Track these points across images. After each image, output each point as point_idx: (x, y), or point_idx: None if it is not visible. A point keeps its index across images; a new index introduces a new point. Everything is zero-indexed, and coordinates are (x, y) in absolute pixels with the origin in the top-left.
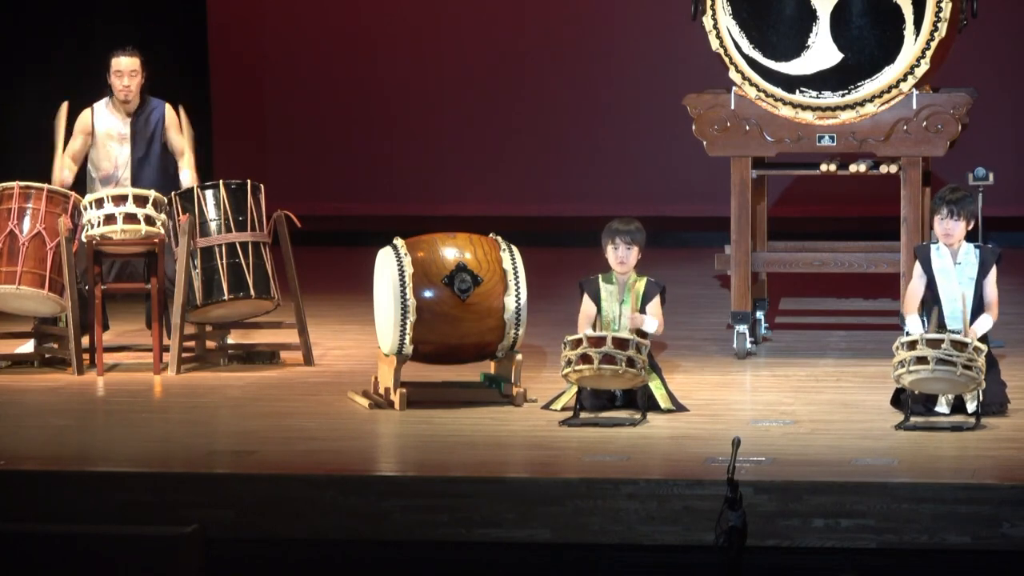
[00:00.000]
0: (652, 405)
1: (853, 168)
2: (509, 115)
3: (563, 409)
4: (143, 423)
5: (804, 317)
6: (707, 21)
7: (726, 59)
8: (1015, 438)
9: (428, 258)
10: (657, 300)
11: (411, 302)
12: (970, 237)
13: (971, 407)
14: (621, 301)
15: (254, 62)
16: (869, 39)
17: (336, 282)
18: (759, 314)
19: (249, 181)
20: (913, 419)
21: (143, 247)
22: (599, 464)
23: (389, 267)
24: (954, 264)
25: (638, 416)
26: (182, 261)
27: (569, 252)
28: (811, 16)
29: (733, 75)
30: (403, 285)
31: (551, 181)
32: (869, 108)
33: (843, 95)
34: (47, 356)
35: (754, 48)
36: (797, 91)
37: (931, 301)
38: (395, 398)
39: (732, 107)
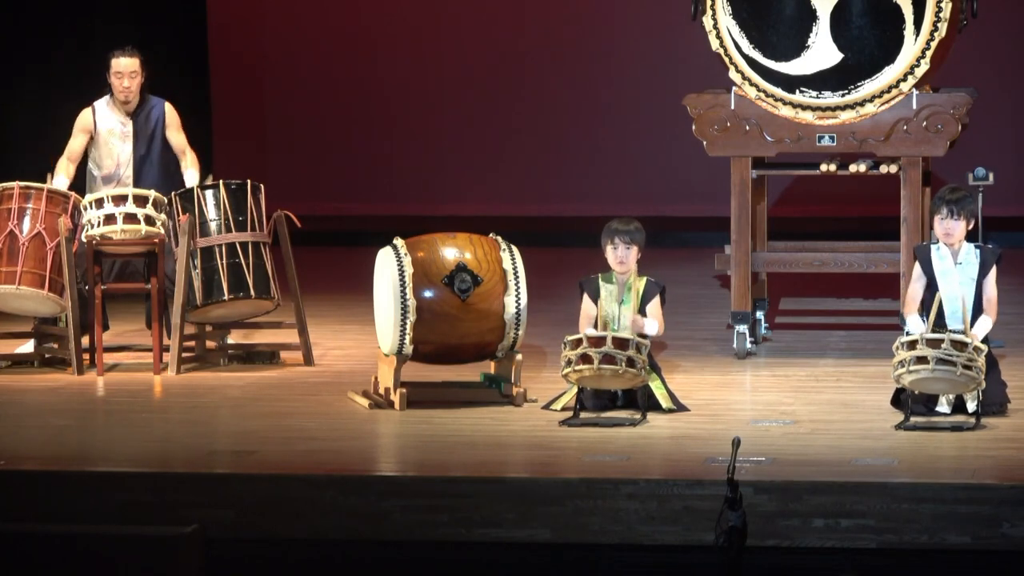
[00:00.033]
0: (653, 405)
1: (853, 168)
2: (509, 115)
3: (563, 409)
4: (143, 423)
5: (804, 317)
6: (707, 21)
7: (726, 59)
8: (1015, 438)
9: (428, 258)
10: (657, 300)
11: (411, 302)
12: (970, 237)
13: (971, 407)
14: (621, 301)
15: (254, 62)
16: (869, 39)
17: (336, 282)
18: (759, 314)
19: (249, 181)
20: (913, 419)
21: (143, 247)
22: (599, 464)
23: (389, 267)
24: (954, 264)
25: (638, 416)
26: (182, 261)
27: (569, 252)
28: (811, 16)
29: (733, 75)
30: (403, 285)
31: (551, 181)
32: (869, 108)
33: (843, 95)
34: (47, 356)
35: (754, 48)
36: (797, 91)
37: (931, 301)
38: (395, 398)
39: (732, 107)
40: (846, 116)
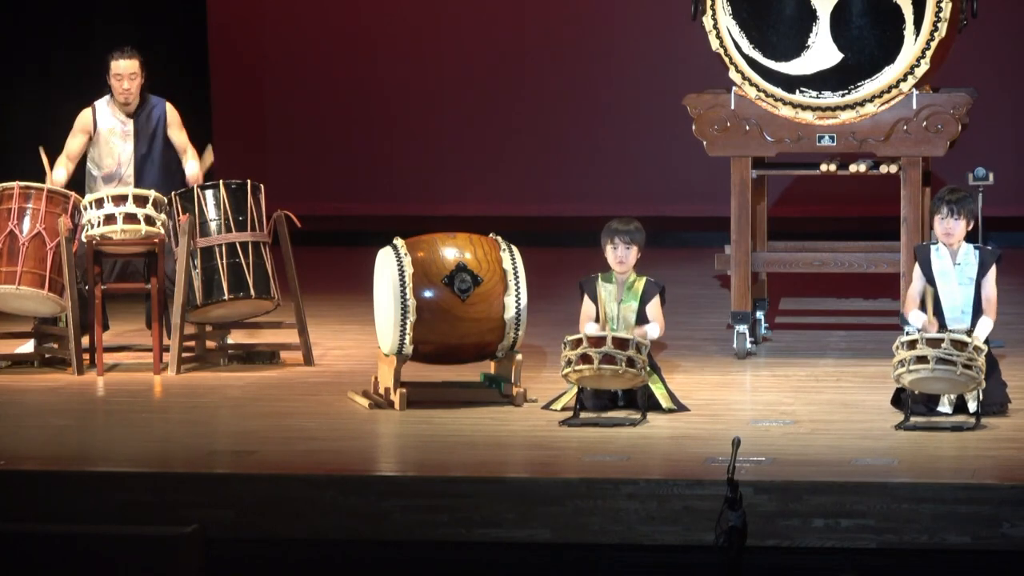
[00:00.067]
0: (653, 405)
1: (853, 168)
2: (509, 115)
3: (563, 409)
4: (143, 423)
5: (804, 317)
6: (707, 21)
7: (726, 59)
8: (1015, 438)
9: (428, 258)
10: (657, 300)
11: (411, 302)
12: (970, 237)
13: (972, 407)
14: (620, 300)
15: (254, 62)
16: (869, 39)
17: (336, 282)
18: (759, 314)
19: (249, 181)
20: (913, 419)
21: (143, 247)
22: (599, 464)
23: (389, 267)
24: (953, 265)
25: (638, 416)
26: (182, 261)
27: (569, 252)
28: (811, 16)
29: (733, 75)
30: (403, 285)
31: (551, 181)
32: (869, 108)
33: (843, 95)
34: (47, 356)
35: (754, 48)
36: (797, 91)
37: (931, 302)
38: (395, 398)
39: (732, 107)
40: (846, 116)
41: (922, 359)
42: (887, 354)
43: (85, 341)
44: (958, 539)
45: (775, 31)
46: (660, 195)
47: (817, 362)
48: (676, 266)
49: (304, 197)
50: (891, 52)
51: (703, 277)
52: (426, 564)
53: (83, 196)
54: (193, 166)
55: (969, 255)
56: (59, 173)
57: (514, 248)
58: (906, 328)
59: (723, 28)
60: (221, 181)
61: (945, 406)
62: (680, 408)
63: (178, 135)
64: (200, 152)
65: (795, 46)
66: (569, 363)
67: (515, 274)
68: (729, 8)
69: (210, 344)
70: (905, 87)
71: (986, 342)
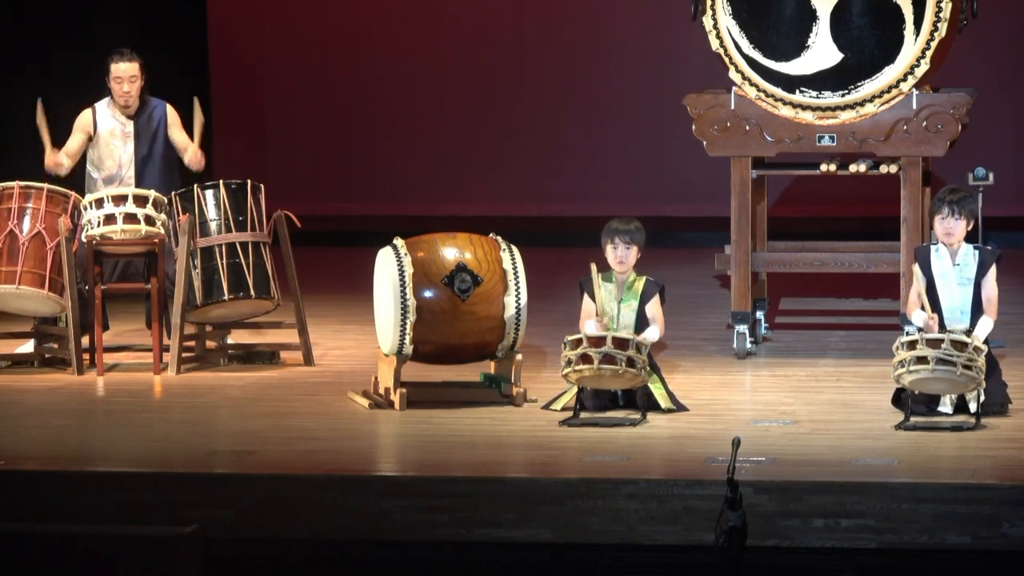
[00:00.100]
0: (652, 405)
1: (853, 168)
2: (509, 115)
3: (563, 409)
4: (143, 423)
5: (804, 317)
6: (707, 21)
7: (726, 59)
8: (1015, 438)
9: (428, 258)
10: (656, 300)
11: (411, 302)
12: (970, 237)
13: (973, 407)
14: (620, 300)
15: (254, 62)
16: (869, 39)
17: (336, 282)
18: (759, 314)
19: (249, 181)
20: (913, 419)
21: (143, 247)
22: (599, 464)
23: (389, 267)
24: (953, 265)
25: (638, 416)
26: (182, 261)
27: (569, 252)
28: (811, 16)
29: (733, 75)
30: (403, 285)
31: (551, 181)
32: (869, 108)
33: (843, 95)
34: (47, 356)
35: (754, 48)
36: (797, 91)
37: (931, 302)
38: (395, 398)
39: (732, 107)
40: (846, 116)
41: (922, 359)
42: (887, 354)
43: (85, 341)
44: (958, 539)
45: (775, 31)
46: (660, 195)
47: (817, 362)
48: (676, 266)
49: (304, 197)
50: (891, 52)
51: (703, 277)
52: (426, 564)
53: (83, 196)
54: (190, 152)
55: (969, 255)
56: (61, 157)
57: (514, 248)
58: (906, 328)
59: (723, 28)
60: (221, 181)
61: (945, 406)
62: (679, 408)
63: (179, 135)
64: (190, 116)
65: (795, 46)
66: (569, 363)
67: (515, 274)
68: (729, 8)
69: (210, 344)
70: (905, 87)
71: (986, 342)
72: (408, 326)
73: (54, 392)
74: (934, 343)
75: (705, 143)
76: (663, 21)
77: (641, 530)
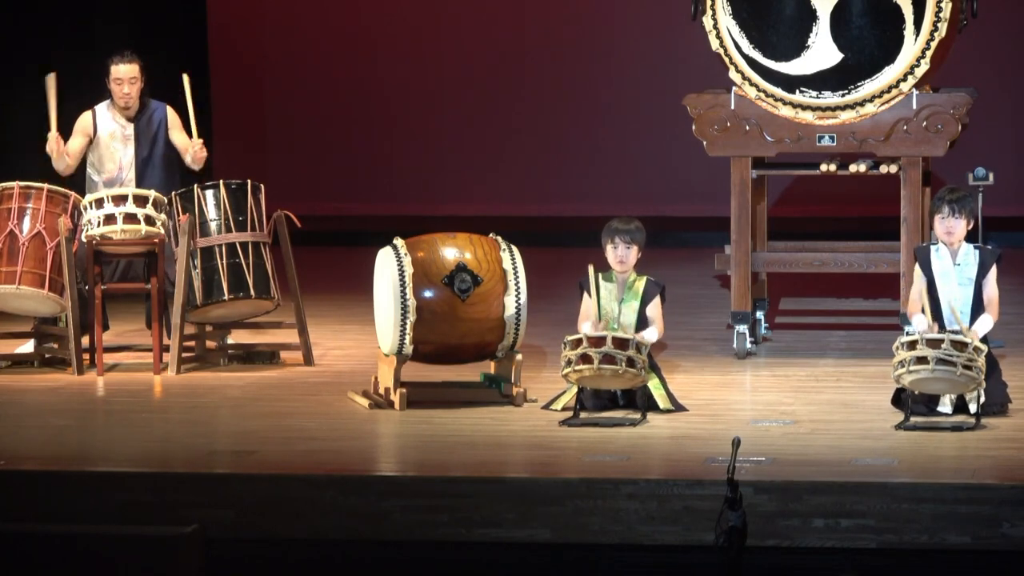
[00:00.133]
0: (651, 405)
1: (853, 168)
2: (509, 115)
3: (563, 409)
4: (143, 423)
5: (804, 317)
6: (707, 21)
7: (726, 59)
8: (1015, 438)
9: (428, 258)
10: (657, 301)
11: (411, 302)
12: (970, 237)
13: (973, 407)
14: (621, 300)
15: (254, 62)
16: (869, 39)
17: (336, 282)
18: (759, 314)
19: (249, 181)
20: (913, 419)
21: (143, 247)
22: (599, 464)
23: (389, 267)
24: (953, 265)
25: (638, 416)
26: (182, 261)
27: (569, 252)
28: (811, 16)
29: (733, 75)
30: (403, 285)
31: (551, 181)
32: (869, 108)
33: (843, 95)
34: (47, 356)
35: (754, 48)
36: (797, 91)
37: (930, 302)
38: (395, 398)
39: (732, 107)
40: (846, 116)
41: (922, 359)
42: (887, 354)
43: (85, 341)
44: (958, 539)
45: (775, 31)
46: (660, 195)
47: (817, 362)
48: (676, 266)
49: (304, 197)
50: (891, 52)
51: (703, 277)
52: (426, 564)
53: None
54: (190, 153)
55: (969, 255)
56: (64, 154)
57: (514, 248)
58: (906, 328)
59: (723, 28)
60: (221, 181)
61: (945, 406)
62: (679, 409)
63: (179, 136)
64: (204, 175)
65: (795, 46)
66: (569, 363)
67: (515, 274)
68: (729, 8)
69: (210, 344)
70: (905, 87)
71: (986, 342)
72: (408, 326)
73: (54, 392)
74: (934, 343)
75: (705, 143)
76: (663, 21)
77: (641, 530)
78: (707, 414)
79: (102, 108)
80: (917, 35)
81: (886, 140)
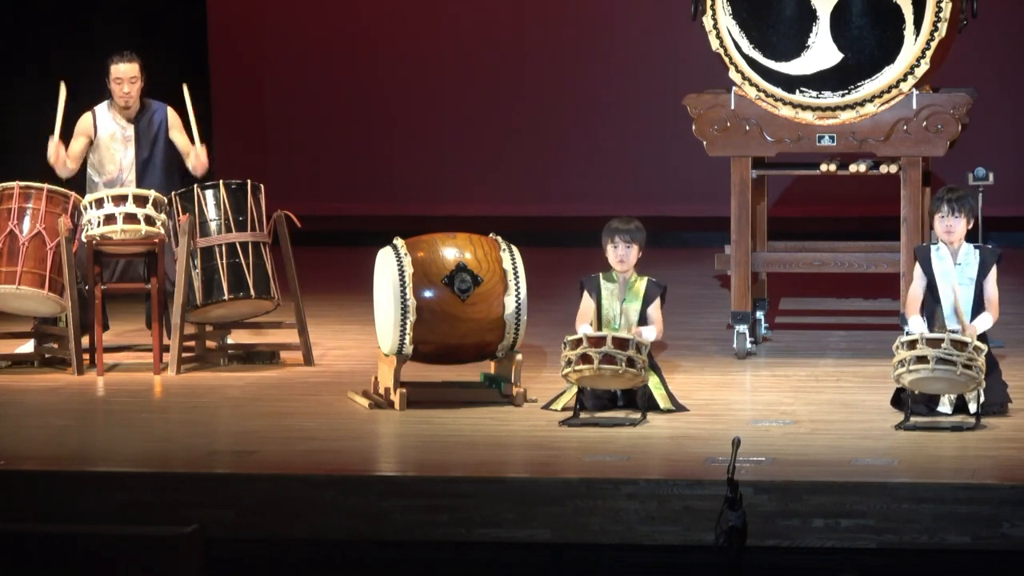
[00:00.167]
0: (652, 405)
1: (853, 168)
2: (509, 115)
3: (563, 409)
4: (143, 423)
5: (804, 317)
6: (707, 21)
7: (726, 59)
8: (1015, 438)
9: (428, 258)
10: (658, 302)
11: (411, 302)
12: (970, 237)
13: (973, 407)
14: (622, 300)
15: (254, 62)
16: (869, 39)
17: (336, 282)
18: (759, 314)
19: (249, 181)
20: (913, 419)
21: (143, 247)
22: (599, 464)
23: (389, 267)
24: (954, 264)
25: (638, 416)
26: (182, 261)
27: (569, 252)
28: (811, 16)
29: (733, 75)
30: (403, 285)
31: (551, 181)
32: (869, 108)
33: (843, 95)
34: (47, 356)
35: (754, 48)
36: (797, 91)
37: (931, 302)
38: (395, 398)
39: (732, 107)
40: (846, 116)
41: (922, 359)
42: (887, 354)
43: (85, 341)
44: (958, 539)
45: (775, 31)
46: (660, 195)
47: (817, 362)
48: (676, 266)
49: (304, 197)
50: (891, 52)
51: (703, 277)
52: (426, 564)
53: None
54: (192, 157)
55: (969, 255)
56: (65, 159)
57: (514, 248)
58: (906, 328)
59: (723, 28)
60: (221, 181)
61: (945, 406)
62: (679, 409)
63: (180, 137)
64: (203, 175)
65: (795, 46)
66: (569, 363)
67: (515, 274)
68: (729, 8)
69: (210, 344)
70: (905, 87)
71: (986, 342)
72: (408, 326)
73: (54, 392)
74: (934, 343)
75: (705, 143)
76: (663, 21)
77: (641, 530)
78: (707, 414)
79: (102, 109)
80: (917, 35)
81: (886, 140)
